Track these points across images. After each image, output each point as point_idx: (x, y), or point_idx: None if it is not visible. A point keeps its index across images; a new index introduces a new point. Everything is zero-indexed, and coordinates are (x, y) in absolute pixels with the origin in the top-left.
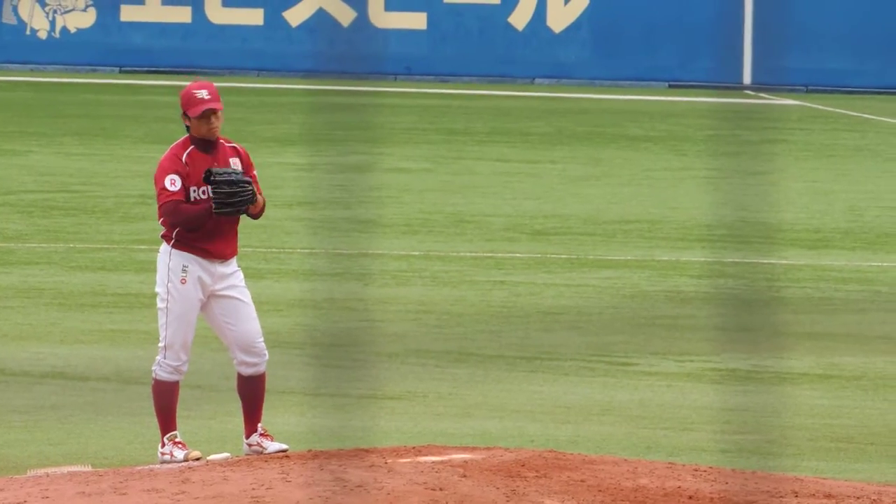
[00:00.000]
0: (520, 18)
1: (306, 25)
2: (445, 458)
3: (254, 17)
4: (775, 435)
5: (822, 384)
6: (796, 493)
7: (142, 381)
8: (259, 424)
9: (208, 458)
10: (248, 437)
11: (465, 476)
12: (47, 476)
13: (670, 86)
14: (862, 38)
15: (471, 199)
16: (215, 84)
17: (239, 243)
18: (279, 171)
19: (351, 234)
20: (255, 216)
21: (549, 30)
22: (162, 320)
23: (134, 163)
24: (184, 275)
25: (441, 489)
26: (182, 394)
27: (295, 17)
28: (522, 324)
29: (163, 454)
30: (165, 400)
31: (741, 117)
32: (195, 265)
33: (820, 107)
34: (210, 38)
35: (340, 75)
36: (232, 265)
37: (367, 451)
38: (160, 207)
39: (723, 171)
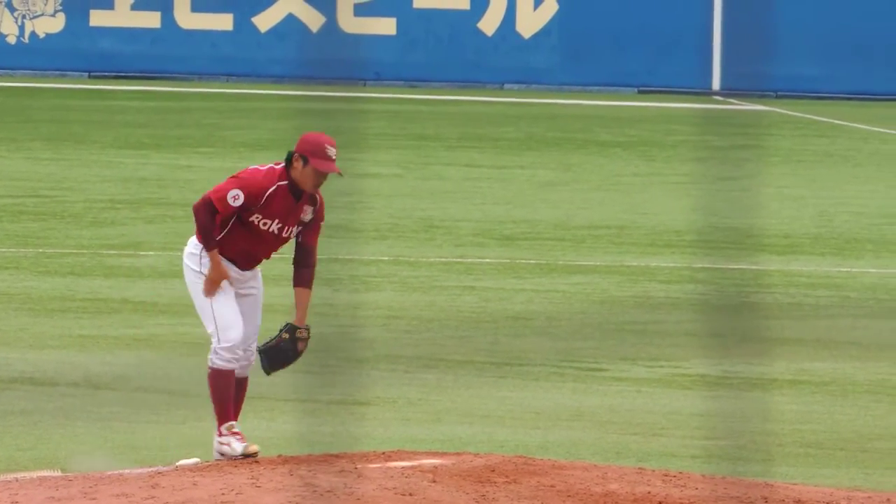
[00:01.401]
0: (489, 24)
1: (276, 31)
2: (415, 463)
3: (223, 22)
4: (745, 440)
5: (791, 390)
6: (766, 498)
7: (111, 387)
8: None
9: (177, 463)
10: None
11: (434, 481)
12: (17, 481)
13: (640, 91)
14: (832, 44)
15: (440, 204)
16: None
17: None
18: None
19: (320, 240)
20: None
21: (518, 35)
22: (206, 310)
23: (103, 167)
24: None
25: (411, 494)
26: (151, 399)
27: (264, 22)
28: (492, 329)
29: (221, 444)
30: (222, 389)
31: (711, 123)
32: (225, 262)
33: (789, 112)
34: (179, 44)
35: (310, 81)
36: (255, 271)
37: (336, 456)
38: (207, 200)
39: (692, 176)
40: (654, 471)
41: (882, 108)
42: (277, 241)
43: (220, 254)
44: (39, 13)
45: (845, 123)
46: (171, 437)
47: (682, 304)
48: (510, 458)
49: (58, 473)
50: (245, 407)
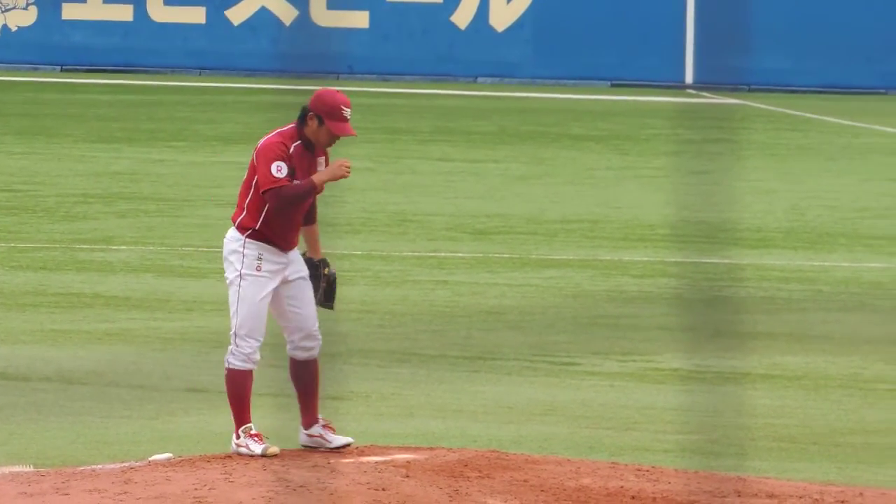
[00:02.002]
0: (462, 17)
1: (249, 24)
2: (388, 458)
3: (196, 15)
4: (718, 435)
5: (764, 384)
6: (739, 492)
7: (84, 382)
8: (320, 415)
9: (150, 458)
10: (307, 428)
11: (407, 476)
12: None
13: (613, 85)
14: (804, 38)
15: (413, 198)
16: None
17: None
18: (221, 170)
19: None
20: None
21: (491, 29)
22: (233, 308)
23: (75, 161)
24: (258, 262)
25: (384, 489)
26: (123, 394)
27: (237, 15)
28: (465, 324)
29: (238, 446)
30: (239, 390)
31: (684, 116)
32: (269, 254)
33: (762, 106)
34: (152, 37)
35: (283, 74)
36: (297, 251)
37: (309, 451)
38: (264, 193)
39: (665, 170)
40: (627, 465)
41: (855, 101)
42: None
43: (263, 238)
44: (11, 6)
45: (818, 117)
46: (144, 431)
47: (655, 298)
48: (483, 452)
49: (30, 469)
50: (217, 401)
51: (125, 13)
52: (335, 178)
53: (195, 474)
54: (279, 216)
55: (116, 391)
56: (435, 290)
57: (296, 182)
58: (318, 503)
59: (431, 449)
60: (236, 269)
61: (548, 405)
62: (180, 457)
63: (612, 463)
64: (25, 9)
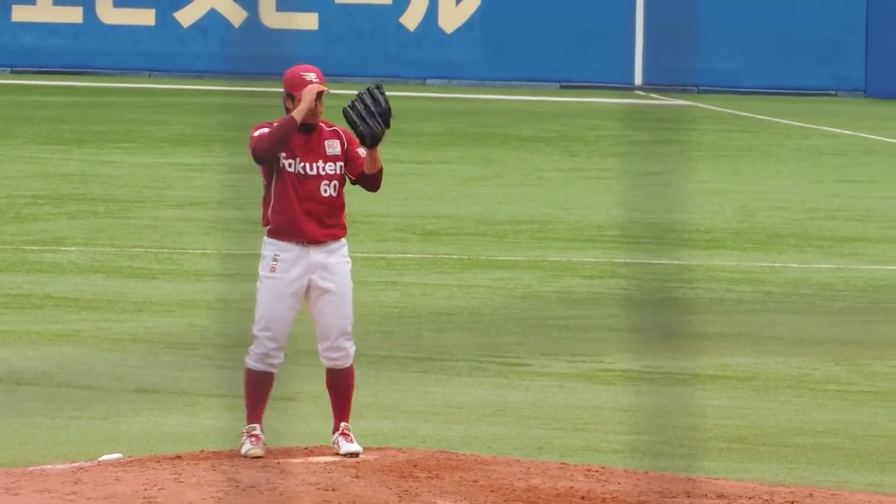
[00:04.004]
0: (411, 19)
1: (198, 26)
2: (338, 458)
3: (145, 17)
4: (668, 435)
5: (714, 385)
6: (688, 493)
7: (33, 382)
8: (342, 423)
9: (100, 458)
10: (332, 434)
11: (357, 476)
12: None
13: (562, 86)
14: (753, 39)
15: (363, 199)
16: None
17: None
18: (171, 172)
19: (243, 235)
20: (373, 180)
21: (440, 30)
22: (256, 310)
23: (25, 163)
24: (274, 263)
25: (333, 489)
26: (73, 394)
27: (186, 17)
28: (414, 324)
29: (241, 443)
30: (250, 389)
31: (633, 118)
32: (289, 253)
33: (711, 107)
34: (101, 39)
35: (233, 76)
36: (332, 251)
37: (244, 454)
38: (252, 152)
39: (614, 171)
40: (576, 466)
41: (804, 102)
42: (315, 182)
43: (277, 231)
44: None
45: (767, 118)
46: (94, 432)
47: (604, 299)
48: (433, 452)
49: None
50: (168, 402)
51: (75, 15)
52: (311, 105)
53: (145, 475)
54: (284, 206)
55: (66, 392)
56: (384, 291)
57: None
58: (267, 503)
59: (381, 449)
60: (259, 271)
61: (497, 406)
62: (130, 457)
63: (562, 463)
64: None
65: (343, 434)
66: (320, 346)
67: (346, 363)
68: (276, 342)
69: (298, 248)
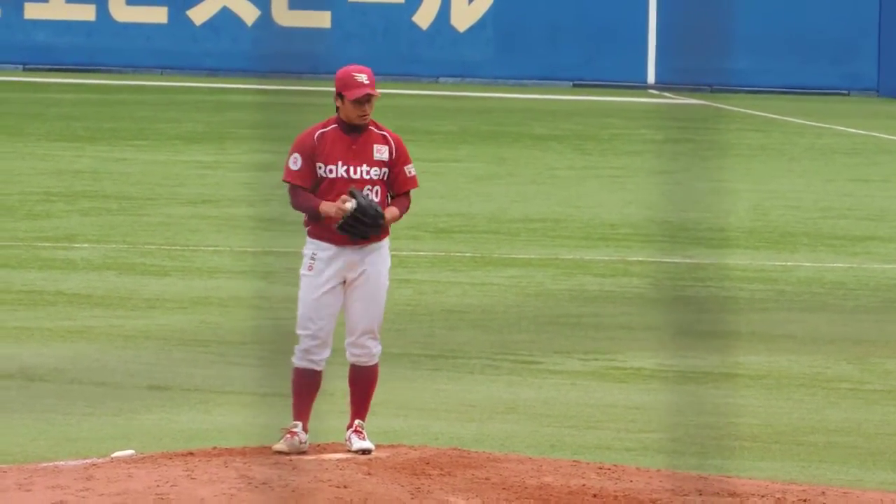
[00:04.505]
0: (424, 17)
1: (210, 24)
2: (350, 455)
3: (158, 15)
4: (680, 433)
5: (726, 383)
6: (700, 491)
7: (46, 379)
8: (357, 420)
9: (112, 455)
10: (347, 430)
11: (369, 474)
12: None
13: (574, 85)
14: (767, 38)
15: None
16: (119, 82)
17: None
18: (183, 169)
19: (255, 232)
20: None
21: (453, 29)
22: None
23: (38, 160)
24: (311, 262)
25: (346, 486)
26: (86, 391)
27: (199, 15)
28: (427, 322)
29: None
30: (294, 387)
31: (646, 116)
32: (326, 252)
33: (724, 106)
34: (114, 36)
35: (245, 74)
36: (369, 251)
37: (272, 448)
38: (288, 188)
39: (627, 170)
40: (588, 463)
41: (817, 102)
42: (358, 187)
43: (315, 231)
44: None
45: (780, 118)
46: (106, 428)
47: (616, 297)
48: (445, 450)
49: None
50: (180, 399)
51: (87, 13)
52: (329, 216)
53: (157, 471)
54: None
55: (79, 388)
56: (397, 289)
57: (309, 194)
58: (279, 500)
59: (393, 446)
60: (300, 270)
61: (510, 403)
62: (142, 454)
63: (574, 461)
64: None
65: (356, 431)
66: (346, 341)
67: (370, 362)
68: (316, 339)
69: (336, 247)
